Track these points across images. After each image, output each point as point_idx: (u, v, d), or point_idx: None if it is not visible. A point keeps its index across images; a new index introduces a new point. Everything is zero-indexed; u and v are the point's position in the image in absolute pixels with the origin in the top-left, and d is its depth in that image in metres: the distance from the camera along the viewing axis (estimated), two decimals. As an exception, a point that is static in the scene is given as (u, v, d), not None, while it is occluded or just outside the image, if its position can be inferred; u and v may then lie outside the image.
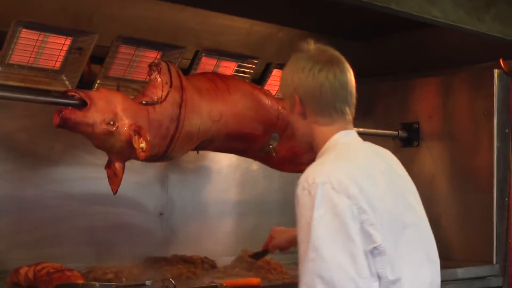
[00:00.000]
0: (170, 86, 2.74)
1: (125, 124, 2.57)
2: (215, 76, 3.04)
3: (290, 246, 2.89)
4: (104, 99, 2.56)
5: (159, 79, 2.72)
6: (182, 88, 2.78)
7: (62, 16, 2.96)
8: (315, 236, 1.97)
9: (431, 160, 3.88)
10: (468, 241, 3.71)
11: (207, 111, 2.89)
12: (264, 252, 3.00)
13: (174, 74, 2.77)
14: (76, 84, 2.92)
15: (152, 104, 2.69)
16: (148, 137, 2.56)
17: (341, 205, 1.99)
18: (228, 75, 3.16)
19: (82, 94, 2.52)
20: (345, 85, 2.22)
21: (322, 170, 2.06)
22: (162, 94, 2.72)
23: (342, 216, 1.98)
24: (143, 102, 2.68)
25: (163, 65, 2.76)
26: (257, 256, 3.05)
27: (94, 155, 2.90)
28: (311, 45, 2.27)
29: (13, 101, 2.72)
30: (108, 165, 2.68)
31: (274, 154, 3.19)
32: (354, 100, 2.26)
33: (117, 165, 2.66)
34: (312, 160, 3.32)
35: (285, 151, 3.24)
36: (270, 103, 3.13)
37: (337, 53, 2.27)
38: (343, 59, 2.26)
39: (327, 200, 1.99)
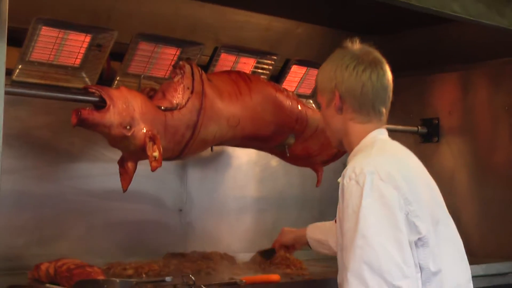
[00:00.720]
0: (192, 92, 2.75)
1: (141, 129, 2.59)
2: (238, 77, 3.03)
3: (296, 245, 2.97)
4: (123, 100, 2.57)
5: (182, 84, 2.73)
6: (203, 94, 2.78)
7: (81, 13, 2.98)
8: (364, 224, 2.02)
9: (451, 156, 3.86)
10: (489, 237, 3.69)
11: (226, 117, 2.89)
12: (272, 250, 3.03)
13: (197, 78, 2.77)
14: (96, 81, 2.92)
15: (171, 110, 2.69)
16: (161, 147, 2.59)
17: (389, 195, 2.05)
18: (253, 76, 3.14)
19: (103, 92, 2.54)
20: (385, 87, 2.29)
21: (369, 162, 2.12)
22: (182, 100, 2.73)
23: (390, 206, 2.04)
24: (162, 107, 2.68)
25: (187, 68, 2.76)
26: (266, 254, 3.06)
27: (113, 152, 2.88)
28: (356, 44, 2.33)
29: (33, 98, 2.76)
30: (121, 163, 2.70)
31: (288, 154, 3.20)
32: (389, 103, 2.34)
33: (130, 164, 2.70)
34: (325, 161, 3.33)
35: (300, 151, 3.25)
36: (291, 106, 3.12)
37: (380, 56, 2.33)
38: (385, 62, 2.32)
39: (376, 189, 2.05)
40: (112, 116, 2.52)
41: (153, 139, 2.58)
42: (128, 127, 2.56)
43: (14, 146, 2.92)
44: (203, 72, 2.85)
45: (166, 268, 2.88)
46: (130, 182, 2.71)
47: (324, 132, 3.03)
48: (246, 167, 3.70)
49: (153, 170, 2.60)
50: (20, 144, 2.97)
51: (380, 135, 2.28)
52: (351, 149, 2.31)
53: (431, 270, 2.11)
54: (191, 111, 2.74)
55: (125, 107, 2.55)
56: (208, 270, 2.91)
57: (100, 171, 3.14)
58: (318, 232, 2.84)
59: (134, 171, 2.71)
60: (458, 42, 3.79)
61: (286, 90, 3.24)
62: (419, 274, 2.09)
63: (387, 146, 2.28)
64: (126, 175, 2.70)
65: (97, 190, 3.16)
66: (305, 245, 2.96)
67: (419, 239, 2.08)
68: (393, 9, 2.90)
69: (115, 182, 3.09)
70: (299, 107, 3.17)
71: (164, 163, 3.21)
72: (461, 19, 3.00)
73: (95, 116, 2.50)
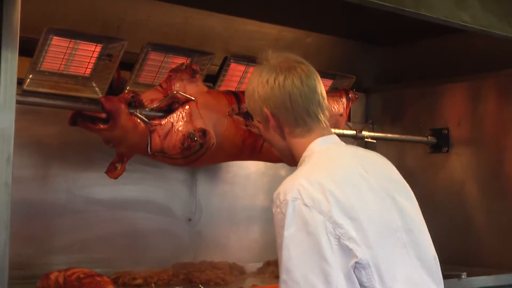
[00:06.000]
0: (183, 158, 2.78)
1: (120, 150, 2.75)
2: (249, 144, 2.95)
3: None
4: (124, 133, 2.64)
5: (181, 150, 2.73)
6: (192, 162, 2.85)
7: (92, 23, 3.00)
8: (287, 257, 1.87)
9: (460, 166, 3.84)
10: (499, 247, 3.66)
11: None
12: None
13: (199, 153, 2.78)
14: (106, 91, 2.93)
15: (156, 155, 2.74)
16: (125, 168, 2.78)
17: (314, 221, 1.88)
18: (267, 147, 2.94)
19: (113, 116, 2.58)
20: (314, 88, 2.11)
21: (293, 185, 1.95)
22: (171, 153, 2.75)
23: (315, 233, 1.87)
24: (151, 152, 2.71)
25: (195, 147, 2.73)
26: None
27: (124, 161, 2.92)
28: (270, 54, 2.16)
29: (44, 107, 2.74)
30: None
31: None
32: (326, 102, 2.16)
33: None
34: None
35: None
36: None
37: (299, 58, 2.17)
38: (306, 62, 2.16)
39: (299, 216, 1.89)
40: (104, 134, 2.65)
41: (123, 160, 2.76)
42: (111, 145, 2.71)
43: (24, 155, 2.92)
44: (214, 142, 2.79)
45: (175, 277, 2.88)
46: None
47: None
48: (255, 176, 3.69)
49: (106, 172, 2.77)
50: (30, 153, 2.97)
51: (319, 146, 2.10)
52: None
53: None
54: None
55: (120, 139, 2.65)
56: (217, 280, 2.90)
57: (110, 181, 3.07)
58: None
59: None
60: (468, 52, 3.79)
61: None
62: None
63: (323, 159, 2.07)
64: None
65: (106, 199, 3.15)
66: None
67: (356, 262, 1.87)
68: (403, 19, 2.89)
69: (125, 191, 3.18)
70: None
71: (173, 173, 3.30)
72: (471, 29, 2.99)
73: (89, 128, 2.64)
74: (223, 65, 3.21)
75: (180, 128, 2.72)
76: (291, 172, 3.42)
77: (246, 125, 2.85)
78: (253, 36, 3.51)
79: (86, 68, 2.86)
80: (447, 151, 3.89)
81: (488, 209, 3.72)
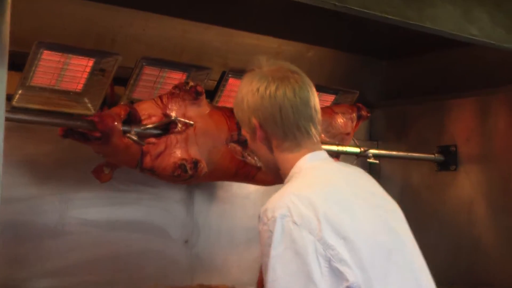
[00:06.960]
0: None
1: (110, 160, 2.76)
2: (243, 173, 2.96)
3: None
4: (116, 153, 2.63)
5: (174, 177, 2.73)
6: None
7: (85, 37, 2.97)
8: (272, 278, 1.81)
9: (469, 184, 3.79)
10: (508, 267, 3.59)
11: None
12: None
13: (189, 180, 2.78)
14: (99, 107, 2.89)
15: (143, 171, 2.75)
16: (112, 176, 2.82)
17: (303, 241, 1.80)
18: (260, 175, 3.04)
19: (109, 135, 2.56)
20: (306, 101, 2.03)
21: (282, 202, 1.88)
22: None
23: (303, 254, 1.80)
24: (141, 169, 2.71)
25: (182, 176, 2.74)
26: None
27: (118, 181, 2.90)
28: (264, 61, 2.10)
29: (35, 125, 2.73)
30: None
31: None
32: (319, 116, 2.09)
33: None
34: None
35: None
36: None
37: (294, 67, 2.10)
38: (301, 72, 2.09)
39: (287, 236, 1.81)
40: (93, 147, 2.64)
41: (112, 168, 2.78)
42: (101, 155, 2.70)
43: (15, 174, 2.88)
44: (205, 171, 2.76)
45: (171, 302, 2.84)
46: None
47: None
48: (255, 196, 3.62)
49: (92, 172, 2.79)
50: (22, 172, 2.93)
51: (309, 162, 2.02)
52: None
53: None
54: None
55: (112, 154, 2.65)
56: (215, 304, 2.87)
57: (104, 201, 3.11)
58: None
59: None
60: (476, 66, 3.76)
61: None
62: None
63: (314, 176, 2.00)
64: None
65: (100, 220, 3.11)
66: None
67: (347, 287, 1.80)
68: (408, 32, 2.84)
69: (120, 212, 3.16)
70: None
71: (169, 192, 3.28)
72: (480, 42, 2.95)
73: (81, 141, 2.63)
74: (221, 80, 3.15)
75: (173, 153, 2.69)
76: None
77: (242, 156, 2.79)
78: (252, 50, 3.48)
79: (78, 83, 2.81)
80: (455, 169, 3.83)
81: (498, 227, 3.66)
